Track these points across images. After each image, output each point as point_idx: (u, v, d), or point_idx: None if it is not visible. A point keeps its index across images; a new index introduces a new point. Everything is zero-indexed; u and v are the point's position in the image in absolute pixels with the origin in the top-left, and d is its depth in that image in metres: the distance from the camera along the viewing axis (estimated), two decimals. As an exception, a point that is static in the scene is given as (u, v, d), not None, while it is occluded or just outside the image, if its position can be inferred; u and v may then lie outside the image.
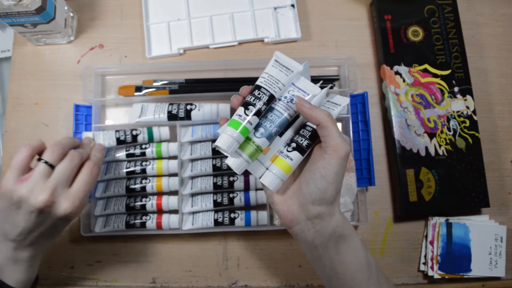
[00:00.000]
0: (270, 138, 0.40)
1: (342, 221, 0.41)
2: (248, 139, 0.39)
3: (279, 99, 0.41)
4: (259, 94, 0.39)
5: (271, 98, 0.39)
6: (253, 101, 0.39)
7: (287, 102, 0.41)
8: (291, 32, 0.62)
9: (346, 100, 0.43)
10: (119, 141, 0.54)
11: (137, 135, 0.54)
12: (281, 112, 0.40)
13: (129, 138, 0.54)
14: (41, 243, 0.43)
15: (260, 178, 0.40)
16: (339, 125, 0.59)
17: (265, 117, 0.40)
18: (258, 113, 0.39)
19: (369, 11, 0.64)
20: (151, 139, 0.55)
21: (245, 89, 0.41)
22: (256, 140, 0.39)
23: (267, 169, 0.40)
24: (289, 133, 0.41)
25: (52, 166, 0.41)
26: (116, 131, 0.54)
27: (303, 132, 0.40)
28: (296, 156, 0.39)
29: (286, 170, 0.39)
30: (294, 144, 0.40)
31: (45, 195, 0.39)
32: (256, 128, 0.39)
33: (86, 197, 0.43)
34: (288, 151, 0.40)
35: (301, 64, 0.41)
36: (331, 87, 0.59)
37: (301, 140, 0.40)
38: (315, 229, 0.40)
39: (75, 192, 0.41)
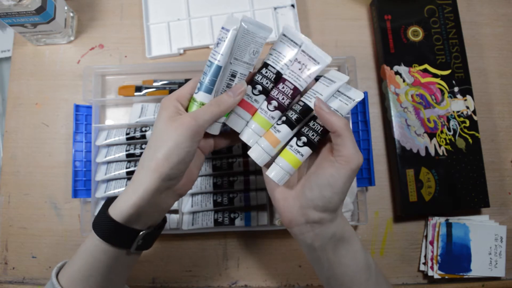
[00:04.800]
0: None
1: (342, 225, 0.40)
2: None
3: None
4: (295, 110, 0.40)
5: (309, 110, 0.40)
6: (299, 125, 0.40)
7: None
8: (291, 32, 0.62)
9: (361, 95, 0.41)
10: (129, 137, 0.55)
11: (146, 131, 0.55)
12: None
13: (138, 135, 0.55)
14: (160, 170, 0.36)
15: (265, 168, 0.40)
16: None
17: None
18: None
19: (369, 11, 0.64)
20: None
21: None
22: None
23: (274, 161, 0.40)
24: (299, 126, 0.40)
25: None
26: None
27: (314, 125, 0.39)
28: (306, 151, 0.39)
29: (295, 164, 0.39)
30: (305, 139, 0.39)
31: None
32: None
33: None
34: (298, 145, 0.39)
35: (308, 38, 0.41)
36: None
37: (313, 135, 0.39)
38: (314, 232, 0.39)
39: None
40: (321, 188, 0.38)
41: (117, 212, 0.37)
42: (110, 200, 0.40)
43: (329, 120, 0.37)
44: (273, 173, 0.39)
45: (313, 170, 0.40)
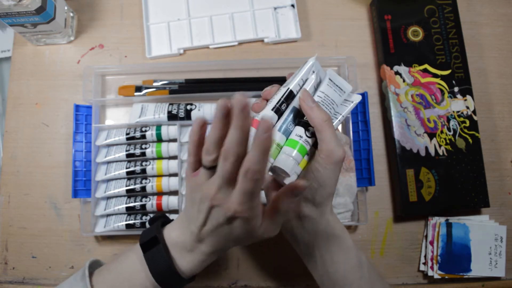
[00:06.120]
0: None
1: (333, 222, 0.41)
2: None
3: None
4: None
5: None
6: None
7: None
8: (291, 32, 0.62)
9: (358, 98, 0.42)
10: (129, 137, 0.55)
11: (146, 131, 0.55)
12: None
13: (138, 135, 0.55)
14: (215, 244, 0.38)
15: (274, 162, 0.39)
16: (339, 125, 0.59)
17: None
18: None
19: (369, 11, 0.64)
20: (159, 137, 0.55)
21: (268, 91, 0.41)
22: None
23: (285, 154, 0.38)
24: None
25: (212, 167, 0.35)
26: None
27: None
28: (313, 141, 0.39)
29: (302, 152, 0.38)
30: (312, 129, 0.39)
31: (210, 193, 0.34)
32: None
33: (250, 200, 0.34)
34: (307, 136, 0.39)
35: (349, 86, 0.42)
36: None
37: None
38: (304, 227, 0.41)
39: (236, 195, 0.34)
40: (308, 181, 0.38)
41: (188, 273, 0.39)
42: (155, 237, 0.39)
43: (310, 115, 0.38)
44: (285, 165, 0.38)
45: None
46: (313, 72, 0.41)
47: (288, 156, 0.38)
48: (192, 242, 0.38)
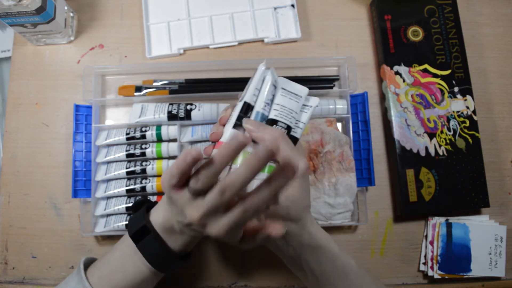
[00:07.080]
0: None
1: (315, 233, 0.41)
2: None
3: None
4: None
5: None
6: None
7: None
8: (291, 32, 0.62)
9: (316, 101, 0.42)
10: (129, 137, 0.55)
11: (146, 131, 0.55)
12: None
13: (138, 135, 0.55)
14: (203, 232, 0.38)
15: None
16: (339, 125, 0.59)
17: None
18: None
19: (369, 11, 0.64)
20: (159, 137, 0.55)
21: (224, 117, 0.41)
22: None
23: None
24: None
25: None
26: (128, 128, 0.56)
27: None
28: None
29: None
30: None
31: (194, 217, 0.34)
32: None
33: (234, 231, 0.35)
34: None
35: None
36: (331, 87, 0.59)
37: None
38: (288, 244, 0.41)
39: (222, 224, 0.34)
40: (280, 200, 0.38)
41: (181, 252, 0.42)
42: (144, 226, 0.40)
43: (260, 141, 0.36)
44: None
45: None
46: (265, 77, 0.40)
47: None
48: (180, 227, 0.39)
